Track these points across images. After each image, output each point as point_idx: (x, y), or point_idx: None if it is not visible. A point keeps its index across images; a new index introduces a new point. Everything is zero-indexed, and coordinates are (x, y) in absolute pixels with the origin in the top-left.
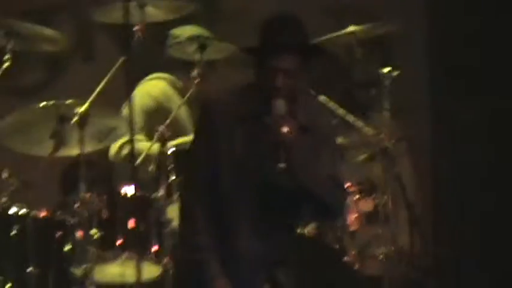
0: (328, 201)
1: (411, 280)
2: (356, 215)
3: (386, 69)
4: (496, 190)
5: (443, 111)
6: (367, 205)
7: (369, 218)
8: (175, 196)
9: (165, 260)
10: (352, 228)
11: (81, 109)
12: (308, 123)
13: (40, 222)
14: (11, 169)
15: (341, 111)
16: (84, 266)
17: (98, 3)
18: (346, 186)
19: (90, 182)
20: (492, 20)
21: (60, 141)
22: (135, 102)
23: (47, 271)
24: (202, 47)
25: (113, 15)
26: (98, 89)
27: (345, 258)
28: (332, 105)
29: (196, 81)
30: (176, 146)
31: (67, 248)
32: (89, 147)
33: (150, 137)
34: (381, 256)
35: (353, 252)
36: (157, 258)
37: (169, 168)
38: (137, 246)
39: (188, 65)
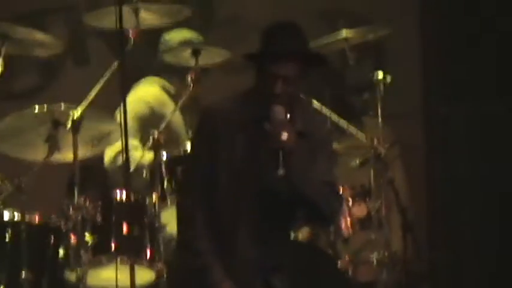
0: (323, 207)
1: (405, 285)
2: (349, 220)
3: (379, 74)
4: (489, 194)
5: (436, 116)
6: (360, 210)
7: (362, 223)
8: (170, 201)
9: (159, 265)
10: (345, 233)
11: (75, 114)
12: (304, 129)
13: (34, 227)
14: (4, 174)
15: (334, 117)
16: (77, 271)
17: (92, 8)
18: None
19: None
20: (485, 25)
21: (54, 146)
22: (128, 109)
23: (40, 276)
24: (196, 53)
25: (107, 20)
26: (91, 94)
27: (338, 263)
28: (325, 110)
29: (190, 87)
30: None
31: (61, 252)
32: (83, 152)
33: (144, 142)
34: (374, 261)
35: (346, 257)
36: (151, 263)
37: (163, 173)
38: (131, 251)
39: (181, 70)
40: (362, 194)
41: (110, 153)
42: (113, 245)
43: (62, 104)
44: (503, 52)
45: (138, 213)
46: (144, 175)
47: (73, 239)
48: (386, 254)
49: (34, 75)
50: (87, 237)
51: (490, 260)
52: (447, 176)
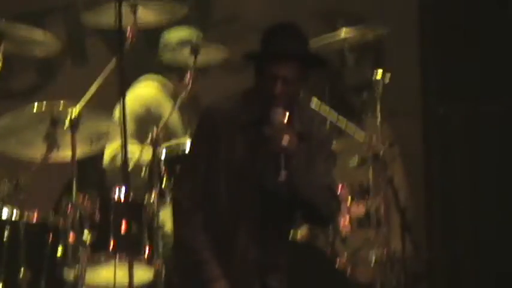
0: (322, 209)
1: (403, 284)
2: (348, 219)
3: (378, 74)
4: (488, 193)
5: (434, 115)
6: (358, 209)
7: (361, 222)
8: (168, 200)
9: (157, 263)
10: (343, 233)
11: (73, 112)
12: (304, 131)
13: (32, 225)
14: (3, 172)
15: (333, 116)
16: (76, 269)
17: (90, 6)
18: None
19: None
20: (484, 24)
21: (52, 144)
22: (118, 115)
23: (38, 274)
24: (194, 51)
25: (105, 18)
26: (90, 92)
27: (337, 263)
28: (324, 109)
29: (188, 85)
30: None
31: (59, 251)
32: (81, 151)
33: (141, 142)
34: (373, 260)
35: (345, 257)
36: (149, 261)
37: (161, 172)
38: (129, 250)
39: (180, 69)
40: (360, 193)
41: (109, 153)
42: (111, 244)
43: (61, 103)
44: (502, 52)
45: (137, 211)
46: (143, 174)
47: (71, 237)
48: (384, 253)
49: (32, 74)
50: (86, 235)
51: (489, 259)
52: (445, 176)
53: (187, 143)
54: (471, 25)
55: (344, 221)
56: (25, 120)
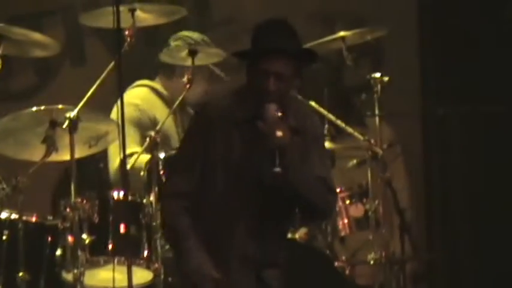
0: (318, 203)
1: (402, 286)
2: (346, 220)
3: (377, 75)
4: (487, 193)
5: (434, 116)
6: (357, 210)
7: (360, 224)
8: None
9: (156, 265)
10: (342, 234)
11: (72, 114)
12: (297, 125)
13: (31, 227)
14: (2, 174)
15: (331, 116)
16: (74, 271)
17: (88, 8)
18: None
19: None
20: (483, 25)
21: (51, 146)
22: (119, 115)
23: (37, 276)
24: (192, 53)
25: (104, 20)
26: (88, 94)
27: (336, 264)
28: (322, 110)
29: (186, 87)
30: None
31: (58, 253)
32: (80, 152)
33: (142, 144)
34: (372, 261)
35: (343, 258)
36: (148, 263)
37: (160, 173)
38: (128, 251)
39: (178, 70)
40: (359, 194)
41: (119, 159)
42: (110, 245)
43: (60, 105)
44: (501, 52)
45: (136, 213)
46: (141, 173)
47: (70, 239)
48: (383, 254)
49: (31, 75)
50: (84, 237)
51: (488, 260)
52: (445, 176)
53: None
54: (470, 25)
55: (343, 223)
56: (24, 121)
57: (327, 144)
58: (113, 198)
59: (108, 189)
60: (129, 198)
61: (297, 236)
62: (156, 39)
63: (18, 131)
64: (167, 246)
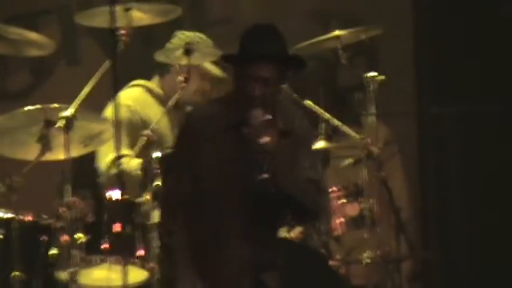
0: (309, 205)
1: (397, 285)
2: (342, 219)
3: (372, 74)
4: (483, 192)
5: (429, 115)
6: (352, 209)
7: (355, 222)
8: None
9: (151, 264)
10: (337, 233)
11: (67, 113)
12: (286, 128)
13: (25, 226)
14: None
15: (327, 116)
16: (69, 270)
17: (84, 7)
18: (331, 190)
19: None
20: (479, 24)
21: (46, 145)
22: (109, 116)
23: (32, 275)
24: (188, 52)
25: (99, 19)
26: (83, 93)
27: (330, 263)
28: (318, 109)
29: (181, 86)
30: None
31: (52, 252)
32: (75, 152)
33: (133, 145)
34: (367, 261)
35: (338, 257)
36: (143, 262)
37: (154, 172)
38: (123, 251)
39: (172, 69)
40: (355, 193)
41: (107, 159)
42: (104, 245)
43: (55, 104)
44: (496, 52)
45: (130, 212)
46: (136, 173)
47: (65, 238)
48: (379, 253)
49: (27, 74)
50: (79, 236)
51: (484, 259)
52: (440, 175)
53: None
54: (465, 25)
55: (338, 222)
56: (19, 120)
57: (323, 144)
58: (108, 198)
59: (102, 188)
60: (124, 197)
61: (292, 235)
62: (151, 39)
63: (13, 130)
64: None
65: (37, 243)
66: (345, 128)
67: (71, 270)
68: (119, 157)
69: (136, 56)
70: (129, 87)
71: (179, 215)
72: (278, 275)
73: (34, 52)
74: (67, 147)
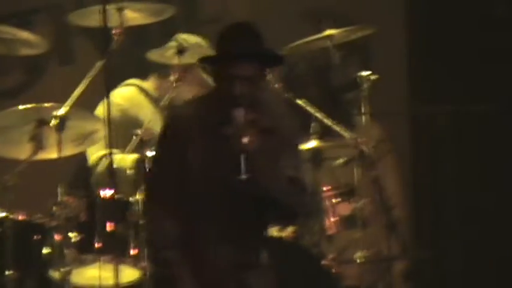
0: (292, 204)
1: (389, 284)
2: (334, 218)
3: (364, 73)
4: (475, 192)
5: (421, 115)
6: (345, 209)
7: (347, 222)
8: None
9: (143, 263)
10: (329, 232)
11: (60, 112)
12: (271, 126)
13: (18, 225)
14: None
15: (319, 115)
16: (62, 269)
17: (77, 7)
18: (324, 190)
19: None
20: (471, 24)
21: (38, 144)
22: (100, 114)
23: (25, 274)
24: (180, 52)
25: (92, 18)
26: (76, 93)
27: (323, 263)
28: (310, 108)
29: (173, 86)
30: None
31: (45, 251)
32: (68, 151)
33: (122, 144)
34: (359, 260)
35: (330, 256)
36: (135, 261)
37: (147, 170)
38: (116, 250)
39: (166, 69)
40: (347, 192)
41: (94, 158)
42: (97, 244)
43: (47, 103)
44: (489, 52)
45: (123, 211)
46: (129, 172)
47: (58, 237)
48: (371, 252)
49: (19, 74)
50: (72, 235)
51: (476, 258)
52: (433, 175)
53: None
54: (458, 24)
55: (330, 221)
56: (11, 119)
57: (315, 143)
58: (100, 197)
59: (95, 187)
60: (117, 196)
61: (283, 234)
62: (144, 38)
63: (5, 129)
64: None
65: (30, 242)
66: (338, 128)
67: (64, 269)
68: (106, 155)
69: (129, 56)
70: (122, 86)
71: (169, 231)
72: (261, 273)
73: (26, 51)
74: (60, 146)
